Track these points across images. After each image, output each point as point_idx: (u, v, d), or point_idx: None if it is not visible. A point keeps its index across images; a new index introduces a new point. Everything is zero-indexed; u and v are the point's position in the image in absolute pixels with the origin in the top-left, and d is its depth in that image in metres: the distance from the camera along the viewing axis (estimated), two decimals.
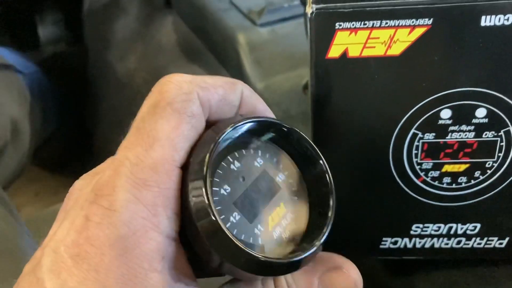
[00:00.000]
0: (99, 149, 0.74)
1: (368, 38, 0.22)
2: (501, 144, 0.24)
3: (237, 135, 0.20)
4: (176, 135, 0.18)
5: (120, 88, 0.68)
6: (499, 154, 0.25)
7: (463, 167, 0.25)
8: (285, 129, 0.21)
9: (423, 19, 0.22)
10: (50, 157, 0.83)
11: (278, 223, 0.21)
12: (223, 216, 0.19)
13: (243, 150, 0.21)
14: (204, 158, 0.18)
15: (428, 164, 0.25)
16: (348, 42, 0.22)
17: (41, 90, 0.72)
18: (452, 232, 0.27)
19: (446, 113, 0.24)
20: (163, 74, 0.63)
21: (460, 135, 0.24)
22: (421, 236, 0.27)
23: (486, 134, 0.24)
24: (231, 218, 0.19)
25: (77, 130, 0.80)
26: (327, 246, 0.28)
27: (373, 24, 0.22)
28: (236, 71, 0.51)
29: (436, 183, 0.26)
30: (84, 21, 0.77)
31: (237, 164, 0.20)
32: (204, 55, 0.57)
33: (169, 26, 0.63)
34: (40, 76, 0.75)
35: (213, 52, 0.55)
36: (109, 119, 0.70)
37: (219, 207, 0.19)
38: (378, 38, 0.22)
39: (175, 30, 0.62)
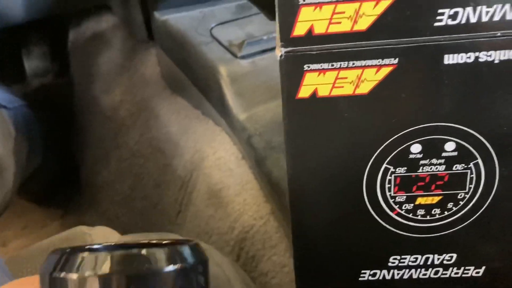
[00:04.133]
0: (86, 181, 0.74)
1: (337, 78, 0.23)
2: (471, 176, 0.25)
3: None
4: None
5: (105, 121, 0.68)
6: (470, 186, 0.25)
7: (436, 199, 0.26)
8: None
9: (388, 59, 0.22)
10: (37, 190, 0.82)
11: None
12: None
13: None
14: None
15: (401, 197, 0.26)
16: (317, 82, 0.23)
17: (26, 124, 0.72)
18: (429, 262, 0.27)
19: (416, 148, 0.24)
20: (148, 106, 0.64)
21: (431, 168, 0.25)
22: (399, 268, 0.27)
23: (456, 167, 0.25)
24: None
25: (63, 163, 0.80)
26: (307, 281, 0.28)
27: (340, 65, 0.23)
28: (219, 103, 0.52)
29: (410, 215, 0.26)
30: (69, 54, 0.78)
31: None
32: (187, 87, 0.58)
33: (152, 58, 0.64)
34: (25, 110, 0.75)
35: (196, 84, 0.55)
36: (95, 152, 0.71)
37: None
38: (346, 78, 0.23)
39: (158, 63, 0.63)
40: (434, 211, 0.26)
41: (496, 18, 0.21)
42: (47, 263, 0.19)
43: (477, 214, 0.26)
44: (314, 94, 0.23)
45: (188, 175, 0.55)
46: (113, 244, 0.22)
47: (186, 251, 0.20)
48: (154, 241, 0.22)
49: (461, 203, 0.26)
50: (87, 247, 0.21)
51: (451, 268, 0.27)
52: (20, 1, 0.63)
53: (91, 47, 0.72)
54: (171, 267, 0.19)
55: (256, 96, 0.49)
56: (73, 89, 0.78)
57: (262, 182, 0.45)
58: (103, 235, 0.41)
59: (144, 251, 0.18)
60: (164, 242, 0.22)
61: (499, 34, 0.22)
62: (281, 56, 0.23)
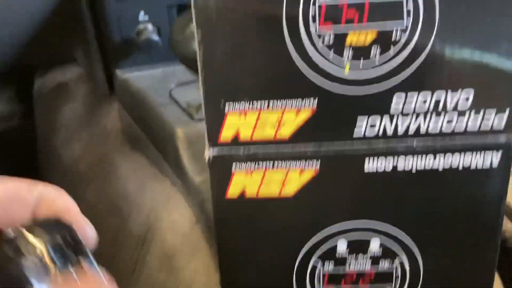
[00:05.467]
0: None
1: (263, 179, 0.24)
2: (397, 273, 0.26)
3: None
4: None
5: (65, 172, 0.67)
6: (396, 282, 0.26)
7: None
8: None
9: (311, 163, 0.23)
10: None
11: None
12: None
13: None
14: None
15: None
16: (245, 182, 0.24)
17: None
18: None
19: (342, 245, 0.25)
20: (107, 161, 0.63)
21: (357, 265, 0.25)
22: None
23: (381, 264, 0.25)
24: None
25: None
26: None
27: (266, 167, 0.23)
28: (175, 164, 0.52)
29: None
30: (33, 102, 0.78)
31: None
32: (146, 144, 0.58)
33: (114, 113, 0.64)
34: None
35: (154, 143, 0.56)
36: None
37: None
38: (272, 179, 0.24)
39: (120, 118, 0.63)
40: None
41: (411, 130, 0.23)
42: None
43: None
44: (242, 194, 0.24)
45: (143, 235, 0.54)
46: None
47: None
48: None
49: None
50: None
51: None
52: None
53: (55, 97, 0.72)
54: None
55: None
56: (36, 139, 0.77)
57: (214, 250, 0.45)
58: None
59: None
60: None
61: (414, 144, 0.23)
62: (209, 158, 0.23)
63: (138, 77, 0.58)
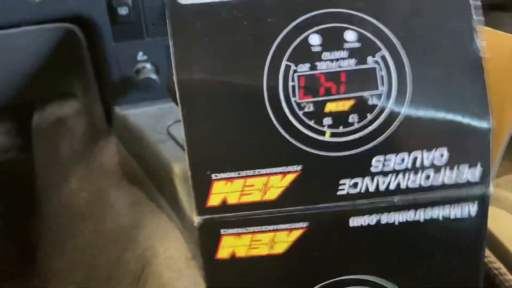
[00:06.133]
0: (40, 268, 0.73)
1: (252, 241, 0.24)
2: None
3: None
4: None
5: (62, 207, 0.68)
6: None
7: None
8: None
9: (299, 223, 0.24)
10: None
11: None
12: None
13: None
14: None
15: None
16: (234, 244, 0.24)
17: None
18: None
19: None
20: (103, 196, 0.64)
21: None
22: None
23: None
24: None
25: (20, 246, 0.79)
26: None
27: (254, 229, 0.24)
28: (172, 201, 0.53)
29: None
30: (32, 136, 0.79)
31: None
32: (144, 179, 0.59)
33: (112, 147, 0.65)
34: None
35: (151, 179, 0.57)
36: (52, 238, 0.70)
37: None
38: (261, 240, 0.24)
39: (117, 153, 0.64)
40: None
41: (392, 187, 0.24)
42: None
43: None
44: (232, 255, 0.25)
45: (139, 271, 0.55)
46: None
47: None
48: None
49: None
50: None
51: None
52: None
53: (53, 132, 0.73)
54: None
55: None
56: (34, 171, 0.78)
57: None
58: None
59: None
60: None
61: (396, 200, 0.24)
62: (197, 223, 0.24)
63: (136, 114, 0.59)
